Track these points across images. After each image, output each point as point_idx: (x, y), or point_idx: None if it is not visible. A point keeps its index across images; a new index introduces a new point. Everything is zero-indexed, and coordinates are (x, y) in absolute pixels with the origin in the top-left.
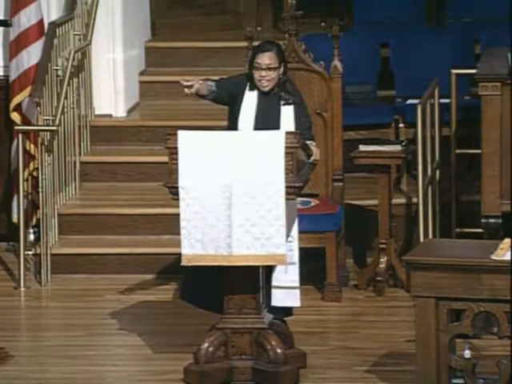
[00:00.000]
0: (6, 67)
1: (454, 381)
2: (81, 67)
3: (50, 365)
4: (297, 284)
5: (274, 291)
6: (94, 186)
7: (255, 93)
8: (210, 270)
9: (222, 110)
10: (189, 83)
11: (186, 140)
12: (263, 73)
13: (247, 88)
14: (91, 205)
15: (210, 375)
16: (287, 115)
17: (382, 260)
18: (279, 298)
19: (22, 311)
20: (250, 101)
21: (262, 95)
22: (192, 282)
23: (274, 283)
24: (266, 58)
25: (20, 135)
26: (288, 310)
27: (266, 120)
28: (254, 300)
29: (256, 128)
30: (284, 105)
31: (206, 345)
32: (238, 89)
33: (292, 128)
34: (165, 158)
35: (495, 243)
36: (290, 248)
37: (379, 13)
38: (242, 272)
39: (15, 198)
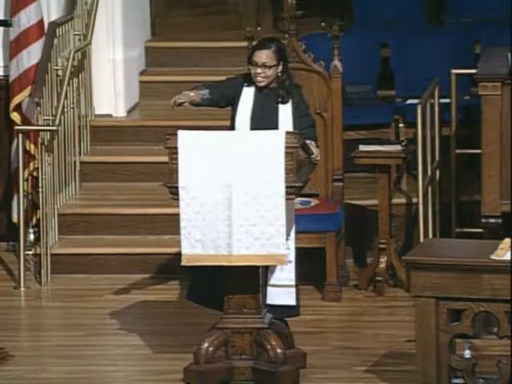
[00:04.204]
0: (6, 67)
1: (454, 381)
2: (81, 67)
3: (50, 365)
4: (292, 282)
5: (269, 289)
6: (93, 186)
7: (252, 91)
8: (217, 269)
9: (222, 110)
10: (179, 100)
11: (186, 140)
12: (259, 70)
13: (244, 87)
14: (91, 205)
15: (210, 375)
16: (285, 114)
17: (382, 260)
18: (275, 297)
19: (21, 311)
20: (246, 99)
21: (259, 93)
22: (201, 282)
23: (269, 282)
24: (262, 56)
25: (20, 135)
26: (295, 309)
27: (263, 118)
28: (254, 300)
29: (252, 126)
30: (280, 103)
31: (206, 345)
32: (234, 91)
33: (290, 126)
34: (165, 158)
35: (495, 243)
36: (287, 246)
37: (379, 13)
38: (242, 272)
39: (15, 197)
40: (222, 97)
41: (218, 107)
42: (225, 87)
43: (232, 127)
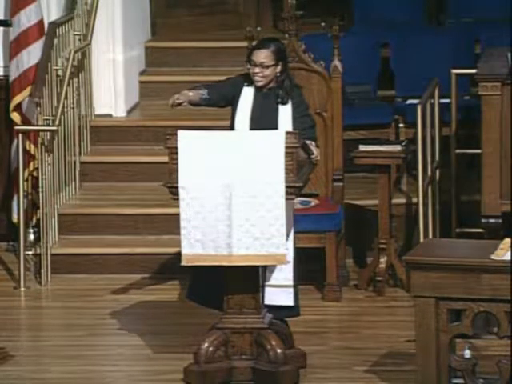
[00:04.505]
0: (6, 67)
1: (454, 381)
2: (81, 67)
3: (50, 365)
4: (290, 282)
5: (267, 289)
6: (93, 186)
7: (252, 91)
8: (217, 269)
9: (223, 110)
10: (177, 101)
11: (186, 140)
12: (256, 69)
13: (244, 87)
14: (91, 205)
15: (210, 375)
16: (285, 114)
17: (382, 260)
18: (273, 297)
19: (21, 311)
20: (246, 99)
21: (259, 93)
22: (201, 281)
23: (267, 282)
24: (260, 56)
25: (20, 135)
26: (295, 310)
27: (262, 118)
28: (254, 300)
29: (252, 126)
30: (279, 103)
31: (206, 345)
32: (234, 90)
33: (289, 127)
34: (165, 158)
35: (495, 243)
36: (286, 247)
37: (379, 13)
38: (241, 272)
39: (15, 197)
40: (221, 97)
41: (217, 107)
42: (224, 87)
43: (232, 127)
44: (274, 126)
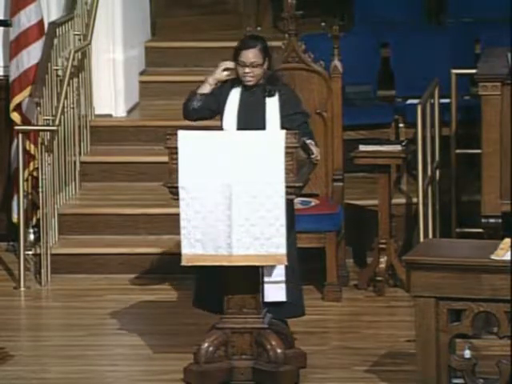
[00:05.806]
0: (6, 67)
1: (454, 381)
2: (81, 67)
3: (50, 365)
4: (282, 278)
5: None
6: (93, 186)
7: (238, 90)
8: (218, 273)
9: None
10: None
11: (186, 140)
12: (247, 69)
13: (232, 89)
14: (91, 205)
15: (210, 375)
16: (272, 107)
17: (382, 260)
18: (269, 294)
19: (22, 311)
20: (233, 100)
21: (245, 91)
22: (204, 287)
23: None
24: (249, 56)
25: (20, 135)
26: (299, 309)
27: (249, 114)
28: (254, 300)
29: (239, 124)
30: (266, 96)
31: (206, 345)
32: (218, 98)
33: (277, 119)
34: (165, 158)
35: (495, 243)
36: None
37: (379, 13)
38: (241, 272)
39: (15, 197)
40: (207, 110)
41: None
42: (209, 100)
43: (221, 129)
44: (261, 119)
